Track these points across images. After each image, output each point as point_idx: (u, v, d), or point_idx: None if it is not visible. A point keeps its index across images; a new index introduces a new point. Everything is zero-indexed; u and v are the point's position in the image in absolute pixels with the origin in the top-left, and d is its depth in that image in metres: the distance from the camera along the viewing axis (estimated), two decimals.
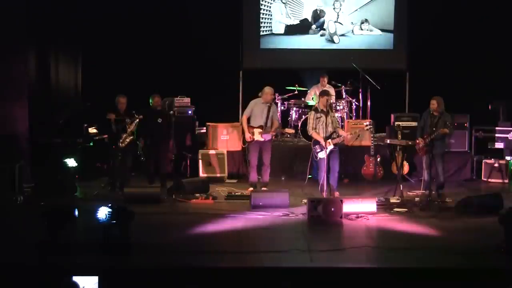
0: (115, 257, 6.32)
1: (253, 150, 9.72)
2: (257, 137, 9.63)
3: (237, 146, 11.13)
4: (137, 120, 9.57)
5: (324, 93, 9.43)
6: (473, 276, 5.94)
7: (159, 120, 9.68)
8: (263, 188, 9.67)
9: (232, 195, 9.55)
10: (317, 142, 9.07)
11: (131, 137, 9.60)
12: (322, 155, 9.00)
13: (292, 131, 10.71)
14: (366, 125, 9.72)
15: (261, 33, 13.25)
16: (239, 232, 7.47)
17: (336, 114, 10.92)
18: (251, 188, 9.67)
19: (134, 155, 9.86)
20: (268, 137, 9.67)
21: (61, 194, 9.32)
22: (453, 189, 9.89)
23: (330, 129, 9.00)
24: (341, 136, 9.12)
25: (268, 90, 9.69)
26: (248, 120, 9.74)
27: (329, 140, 8.94)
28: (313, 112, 9.35)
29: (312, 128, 9.18)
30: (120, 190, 9.32)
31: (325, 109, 9.10)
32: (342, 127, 11.15)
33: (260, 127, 9.64)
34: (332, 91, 12.03)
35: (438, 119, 9.05)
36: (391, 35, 13.14)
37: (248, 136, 9.64)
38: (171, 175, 9.88)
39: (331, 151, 8.99)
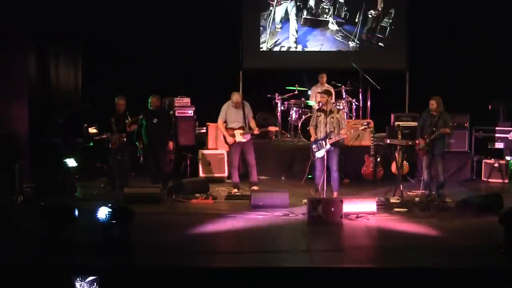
0: (115, 257, 6.32)
1: (235, 152, 9.74)
2: (239, 138, 9.66)
3: None
4: (136, 120, 9.59)
5: (321, 92, 9.48)
6: (473, 276, 5.95)
7: (155, 121, 9.66)
8: (253, 188, 9.64)
9: (232, 195, 9.56)
10: (314, 141, 9.08)
11: (123, 138, 9.57)
12: (319, 154, 8.99)
13: (276, 128, 10.65)
14: (364, 125, 9.69)
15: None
16: (239, 232, 7.48)
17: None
18: (235, 190, 9.73)
19: (133, 156, 9.87)
20: (249, 137, 9.69)
21: (61, 194, 9.33)
22: (453, 189, 9.88)
23: (328, 129, 8.99)
24: (340, 135, 9.05)
25: (235, 96, 9.71)
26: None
27: (326, 140, 8.93)
28: (315, 110, 9.47)
29: (311, 124, 9.27)
30: (120, 190, 9.32)
31: (325, 108, 9.10)
32: None
33: (241, 128, 9.67)
34: (331, 91, 12.02)
35: (438, 119, 9.04)
36: (390, 35, 13.15)
37: (230, 139, 9.67)
38: (171, 175, 9.89)
39: (329, 151, 8.97)
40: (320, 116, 9.09)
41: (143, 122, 9.68)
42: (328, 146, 8.92)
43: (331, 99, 9.46)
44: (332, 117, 9.01)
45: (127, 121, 9.60)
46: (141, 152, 9.78)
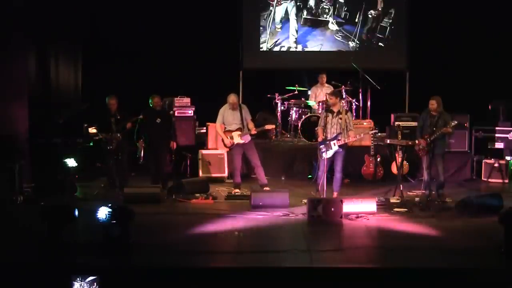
0: (115, 257, 6.33)
1: (236, 153, 9.74)
2: (237, 139, 9.66)
3: None
4: (136, 120, 9.60)
5: (330, 94, 9.49)
6: (473, 276, 5.95)
7: (158, 121, 9.67)
8: (265, 189, 9.65)
9: (232, 195, 9.56)
10: (322, 142, 9.04)
11: (119, 138, 9.58)
12: (326, 155, 8.90)
13: (272, 126, 10.63)
14: (371, 131, 9.73)
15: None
16: (239, 232, 7.47)
17: None
18: (237, 190, 9.72)
19: (133, 156, 9.89)
20: (248, 138, 9.69)
21: (61, 194, 9.33)
22: (453, 189, 9.88)
23: (335, 130, 8.95)
24: (348, 137, 8.94)
25: (232, 97, 9.70)
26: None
27: (334, 142, 8.90)
28: (323, 111, 9.48)
29: (319, 124, 9.21)
30: (120, 190, 9.32)
31: (334, 109, 9.08)
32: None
33: (238, 129, 9.67)
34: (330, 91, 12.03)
35: (438, 119, 9.04)
36: (390, 35, 13.15)
37: (228, 142, 9.68)
38: (171, 175, 9.89)
39: (336, 152, 8.95)
40: (328, 116, 9.04)
41: (144, 122, 9.67)
42: (336, 147, 8.89)
43: (338, 99, 9.33)
44: (340, 118, 8.95)
45: (127, 120, 9.63)
46: (140, 153, 9.77)
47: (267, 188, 9.65)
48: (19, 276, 5.91)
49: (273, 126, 10.67)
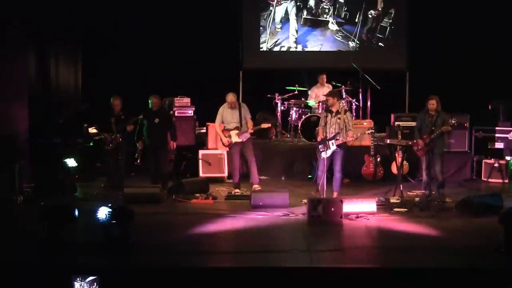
0: (115, 257, 6.33)
1: (235, 152, 9.78)
2: (235, 138, 9.69)
3: None
4: (137, 120, 9.61)
5: (327, 95, 9.50)
6: (473, 276, 5.95)
7: (156, 121, 9.68)
8: (254, 187, 9.65)
9: (232, 195, 9.56)
10: (320, 142, 9.03)
11: (118, 139, 9.59)
12: (325, 154, 8.91)
13: (268, 124, 10.60)
14: (368, 131, 9.76)
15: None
16: (239, 232, 7.47)
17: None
18: (237, 190, 9.73)
19: (131, 156, 9.90)
20: (246, 136, 9.72)
21: (61, 194, 9.33)
22: (453, 189, 9.89)
23: (333, 130, 8.95)
24: (347, 137, 8.94)
25: (230, 96, 9.72)
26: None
27: (332, 141, 8.89)
28: (323, 111, 9.52)
29: (320, 124, 9.23)
30: (120, 190, 9.32)
31: (333, 109, 9.08)
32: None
33: (236, 128, 9.69)
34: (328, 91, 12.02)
35: (437, 118, 9.05)
36: (390, 35, 13.15)
37: (226, 140, 9.72)
38: (171, 175, 9.89)
39: (334, 152, 8.95)
40: (327, 116, 9.05)
41: (144, 122, 9.69)
42: (334, 147, 8.89)
43: (336, 99, 9.32)
44: (339, 118, 8.95)
45: (127, 121, 9.64)
46: (137, 155, 9.78)
47: (257, 187, 9.65)
48: (19, 276, 5.91)
49: (269, 125, 10.64)
